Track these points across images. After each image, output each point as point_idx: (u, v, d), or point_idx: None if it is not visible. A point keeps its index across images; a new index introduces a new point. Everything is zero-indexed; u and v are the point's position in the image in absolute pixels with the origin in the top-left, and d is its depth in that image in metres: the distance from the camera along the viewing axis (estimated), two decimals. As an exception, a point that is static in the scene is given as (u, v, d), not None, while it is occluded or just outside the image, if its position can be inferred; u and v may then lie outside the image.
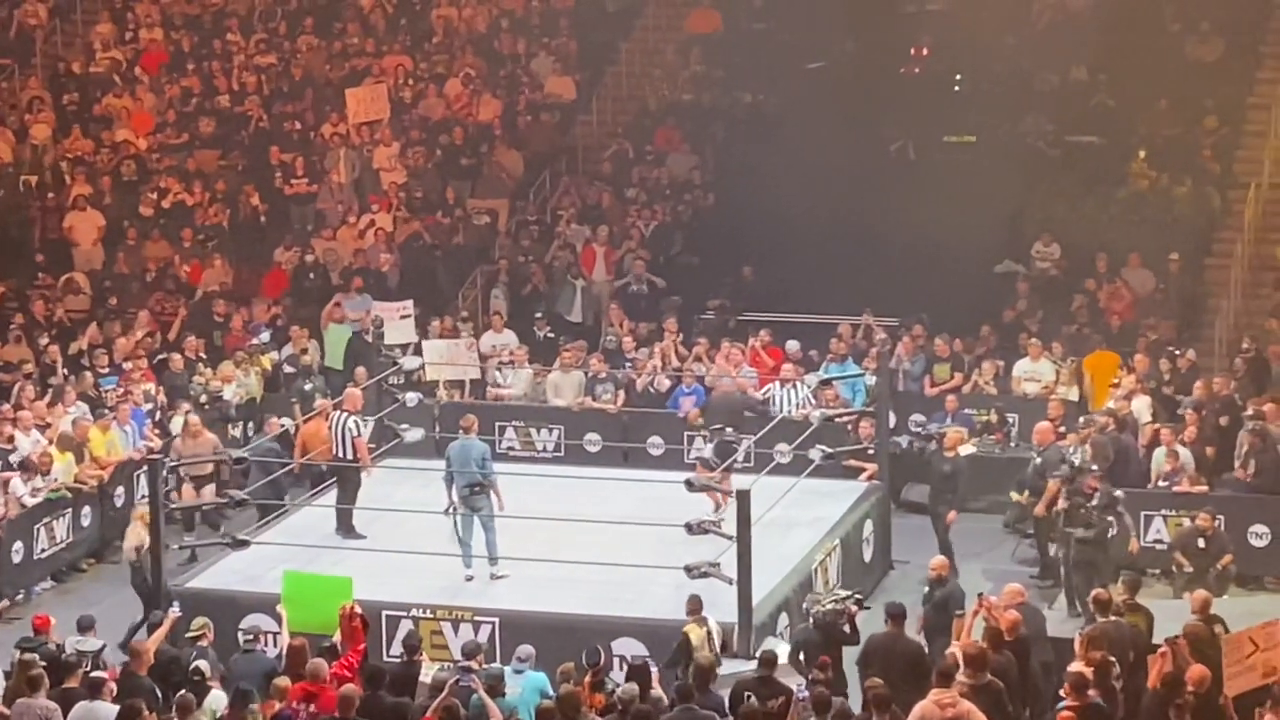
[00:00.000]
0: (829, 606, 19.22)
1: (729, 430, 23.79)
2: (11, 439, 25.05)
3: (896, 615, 18.50)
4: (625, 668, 17.92)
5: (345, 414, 23.81)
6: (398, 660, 18.20)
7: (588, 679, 17.27)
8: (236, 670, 17.96)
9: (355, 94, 34.36)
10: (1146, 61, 33.55)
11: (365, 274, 31.79)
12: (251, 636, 18.56)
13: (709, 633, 19.03)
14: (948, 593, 19.70)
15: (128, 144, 34.96)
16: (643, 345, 29.33)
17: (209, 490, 25.20)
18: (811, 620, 19.29)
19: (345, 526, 23.30)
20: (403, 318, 29.94)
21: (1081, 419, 25.55)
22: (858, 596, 19.59)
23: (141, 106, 35.67)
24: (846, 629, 19.04)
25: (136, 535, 22.23)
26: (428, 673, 17.80)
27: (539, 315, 30.82)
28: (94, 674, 17.12)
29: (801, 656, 18.95)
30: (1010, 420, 27.20)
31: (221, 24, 37.37)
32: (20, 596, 24.19)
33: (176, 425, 27.15)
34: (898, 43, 34.96)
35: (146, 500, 23.12)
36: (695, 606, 19.22)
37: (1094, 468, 23.25)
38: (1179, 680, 16.34)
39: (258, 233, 33.73)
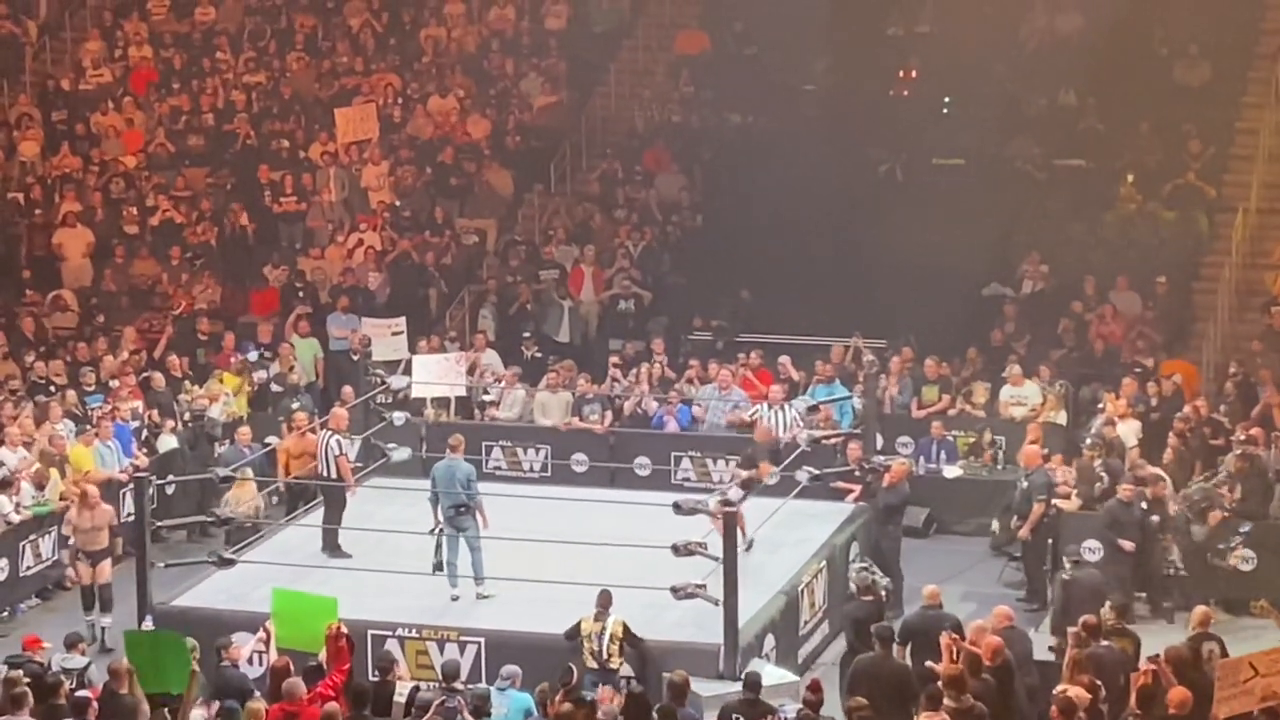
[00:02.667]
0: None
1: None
2: (-6, 456, 25.04)
3: (884, 638, 18.50)
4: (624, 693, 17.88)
5: (330, 433, 23.81)
6: (374, 681, 18.13)
7: (558, 697, 17.26)
8: (214, 688, 17.91)
9: (345, 113, 34.36)
10: (1135, 85, 33.63)
11: (354, 293, 31.79)
12: (224, 650, 18.46)
13: (602, 629, 19.43)
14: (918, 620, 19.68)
15: (117, 162, 34.97)
16: (630, 366, 29.31)
17: (106, 566, 23.27)
18: (885, 593, 20.45)
19: (331, 545, 23.28)
20: (394, 334, 29.97)
21: (1087, 439, 25.53)
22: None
23: (130, 124, 35.68)
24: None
25: (249, 494, 23.25)
26: (401, 692, 17.74)
27: (527, 335, 30.81)
28: (79, 693, 17.07)
29: (854, 632, 19.70)
30: (997, 442, 27.20)
31: (211, 42, 37.39)
32: (5, 614, 24.12)
33: (164, 443, 27.15)
34: (886, 65, 35.01)
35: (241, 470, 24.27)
36: (604, 602, 19.64)
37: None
38: (1154, 697, 16.35)
39: (246, 251, 33.73)
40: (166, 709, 17.11)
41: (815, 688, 17.51)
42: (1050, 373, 28.06)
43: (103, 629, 22.98)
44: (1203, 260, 31.69)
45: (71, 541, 23.63)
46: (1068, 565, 21.91)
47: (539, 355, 30.36)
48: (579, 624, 19.65)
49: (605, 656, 19.42)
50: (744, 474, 23.35)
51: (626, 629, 19.56)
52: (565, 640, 19.65)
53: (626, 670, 19.60)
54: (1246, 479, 24.26)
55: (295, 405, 27.77)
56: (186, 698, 16.82)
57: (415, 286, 32.63)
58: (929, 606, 19.57)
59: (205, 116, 35.84)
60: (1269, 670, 16.15)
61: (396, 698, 17.75)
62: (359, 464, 24.83)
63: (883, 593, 20.78)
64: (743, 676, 18.08)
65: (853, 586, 20.73)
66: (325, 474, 23.71)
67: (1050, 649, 19.82)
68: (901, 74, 34.91)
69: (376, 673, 18.23)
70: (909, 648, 19.10)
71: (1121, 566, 23.17)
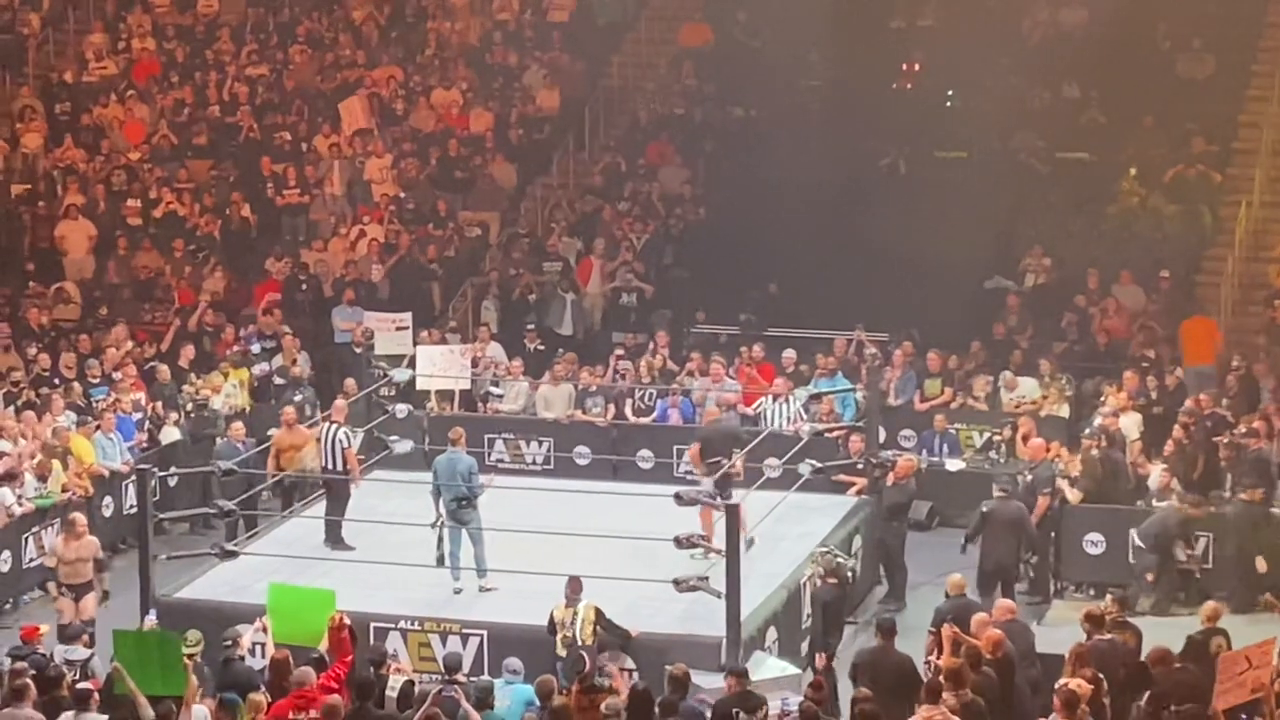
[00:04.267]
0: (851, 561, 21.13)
1: (724, 462, 23.26)
2: (-7, 448, 25.06)
3: (886, 630, 18.50)
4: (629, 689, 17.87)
5: (335, 425, 23.83)
6: (370, 675, 18.12)
7: (574, 687, 17.27)
8: (218, 681, 17.91)
9: (348, 105, 34.44)
10: (1138, 79, 33.62)
11: (357, 285, 31.76)
12: (230, 643, 18.45)
13: (574, 615, 19.47)
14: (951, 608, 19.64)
15: (119, 154, 34.98)
16: (632, 357, 29.32)
17: (91, 600, 21.85)
18: (852, 576, 20.86)
19: (334, 538, 23.29)
20: (399, 329, 29.95)
21: (1087, 430, 25.55)
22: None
23: (133, 116, 35.69)
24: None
25: (311, 454, 23.70)
26: (394, 686, 17.73)
27: (529, 328, 30.81)
28: (80, 685, 17.07)
29: (823, 616, 20.19)
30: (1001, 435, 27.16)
31: (213, 34, 37.41)
32: (8, 605, 24.14)
33: (166, 435, 27.17)
34: (888, 58, 35.00)
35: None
36: (574, 589, 19.66)
37: None
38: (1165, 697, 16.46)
39: (248, 243, 33.74)
40: (172, 701, 17.13)
41: (818, 685, 17.54)
42: (1051, 366, 28.05)
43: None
44: (1205, 254, 31.69)
45: (56, 573, 22.29)
46: (996, 492, 22.94)
47: (541, 348, 30.35)
48: (550, 615, 19.65)
49: (580, 642, 19.40)
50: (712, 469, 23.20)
51: (599, 613, 19.56)
52: (549, 635, 19.66)
53: (629, 663, 19.60)
54: (1235, 469, 24.27)
55: (298, 398, 27.83)
56: (187, 694, 16.82)
57: (418, 280, 32.63)
58: (958, 596, 19.68)
59: (208, 109, 35.86)
60: (1260, 662, 16.31)
61: (389, 692, 17.73)
62: (361, 456, 24.83)
63: (849, 575, 20.82)
64: (726, 670, 18.08)
65: (819, 570, 20.69)
66: (330, 466, 23.72)
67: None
68: (905, 66, 34.89)
69: (369, 666, 18.20)
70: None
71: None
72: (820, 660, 20.17)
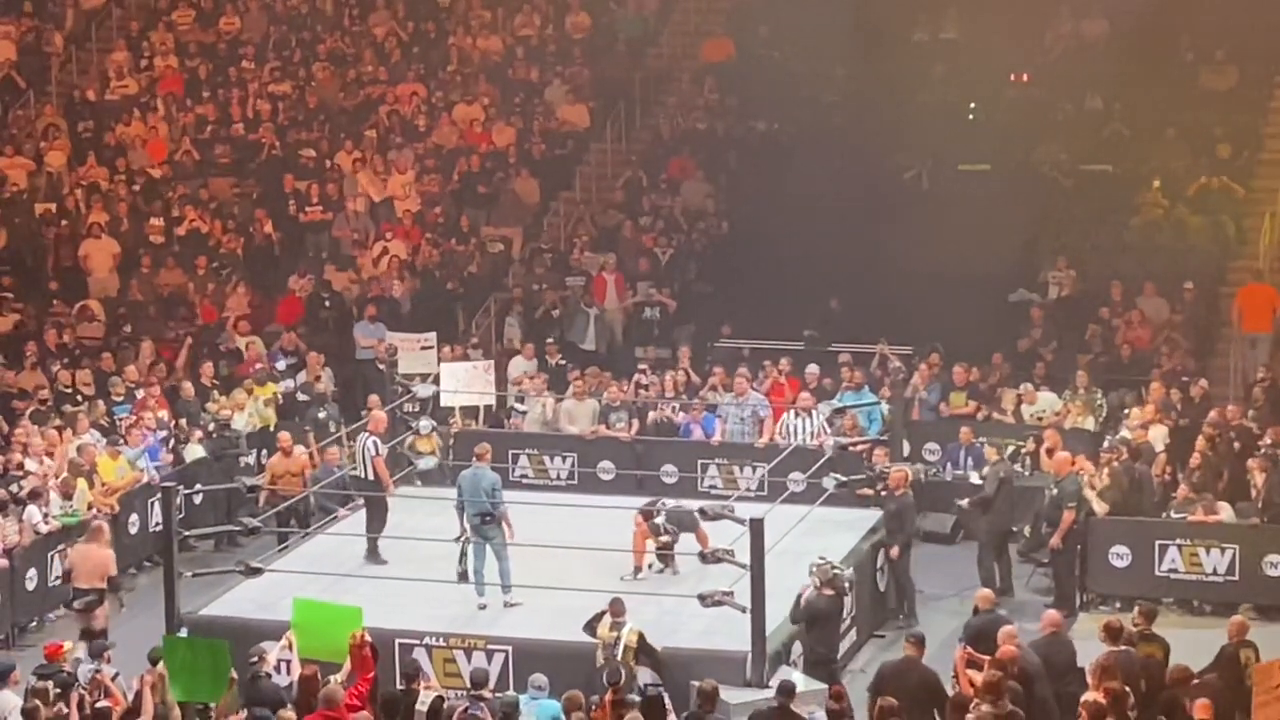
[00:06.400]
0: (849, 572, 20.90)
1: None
2: (21, 465, 25.04)
3: (916, 642, 18.50)
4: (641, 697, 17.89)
5: (367, 435, 23.88)
6: (400, 690, 18.12)
7: (609, 698, 17.24)
8: (246, 698, 17.91)
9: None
10: (1161, 90, 33.59)
11: (380, 302, 31.78)
12: (256, 660, 18.45)
13: (617, 638, 19.37)
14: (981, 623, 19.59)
15: (142, 172, 35.04)
16: (655, 371, 29.29)
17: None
18: (849, 585, 20.74)
19: (374, 552, 23.27)
20: (424, 348, 29.96)
21: (1106, 441, 25.48)
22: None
23: (156, 134, 35.75)
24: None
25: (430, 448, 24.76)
26: (425, 700, 17.74)
27: (550, 341, 30.79)
28: (99, 704, 17.08)
29: (820, 627, 20.16)
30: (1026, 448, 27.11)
31: (236, 52, 37.50)
32: (34, 624, 24.16)
33: (190, 453, 27.18)
34: (911, 71, 34.95)
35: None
36: (617, 610, 19.61)
37: None
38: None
39: (272, 260, 33.78)
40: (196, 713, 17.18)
41: (838, 695, 17.49)
42: (1086, 378, 27.92)
43: None
44: (1230, 265, 31.61)
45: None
46: (994, 457, 24.51)
47: (564, 363, 30.34)
48: (596, 622, 19.63)
49: (620, 664, 19.31)
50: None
51: (642, 639, 19.51)
52: (584, 632, 19.65)
53: (647, 677, 19.55)
54: (1271, 480, 24.18)
55: (322, 414, 27.85)
56: (221, 707, 16.83)
57: (441, 297, 32.63)
58: (987, 610, 19.64)
59: (231, 126, 35.92)
60: None
61: (419, 706, 17.74)
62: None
63: (845, 585, 20.74)
64: (776, 684, 18.06)
65: (816, 580, 20.59)
66: (364, 477, 23.76)
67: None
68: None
69: (402, 680, 18.21)
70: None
71: None
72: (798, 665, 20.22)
